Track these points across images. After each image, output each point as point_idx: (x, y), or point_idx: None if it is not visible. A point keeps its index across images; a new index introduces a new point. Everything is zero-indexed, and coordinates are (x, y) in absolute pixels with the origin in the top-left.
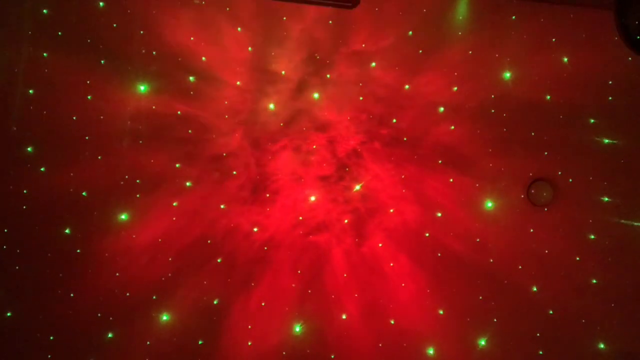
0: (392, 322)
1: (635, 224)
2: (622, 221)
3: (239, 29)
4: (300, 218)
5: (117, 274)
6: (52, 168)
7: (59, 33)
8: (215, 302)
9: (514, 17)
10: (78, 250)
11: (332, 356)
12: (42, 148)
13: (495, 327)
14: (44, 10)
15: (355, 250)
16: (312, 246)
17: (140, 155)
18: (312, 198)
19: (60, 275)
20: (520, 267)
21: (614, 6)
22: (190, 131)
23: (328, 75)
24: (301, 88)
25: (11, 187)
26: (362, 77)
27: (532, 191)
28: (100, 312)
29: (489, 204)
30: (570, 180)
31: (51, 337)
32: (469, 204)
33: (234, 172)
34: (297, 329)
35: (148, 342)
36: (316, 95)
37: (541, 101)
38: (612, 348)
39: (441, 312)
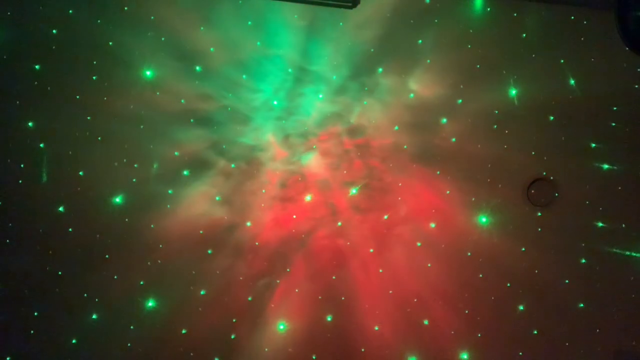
0: (377, 328)
1: (627, 253)
2: (615, 249)
3: (249, 22)
4: (294, 216)
5: (107, 256)
6: (51, 144)
7: (70, 11)
8: (202, 293)
9: (524, 34)
10: (70, 230)
11: (314, 357)
12: (43, 124)
13: (479, 342)
14: None
15: (346, 254)
16: (308, 247)
17: (141, 139)
18: (308, 198)
19: (50, 252)
20: (508, 284)
21: (614, 7)
22: (192, 120)
23: (334, 77)
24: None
25: (9, 160)
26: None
27: (532, 191)
28: (86, 292)
29: (483, 219)
30: (566, 203)
31: (35, 313)
32: (463, 218)
33: (232, 165)
34: (281, 326)
35: (132, 327)
36: (320, 94)
37: (544, 121)
38: None
39: (426, 322)
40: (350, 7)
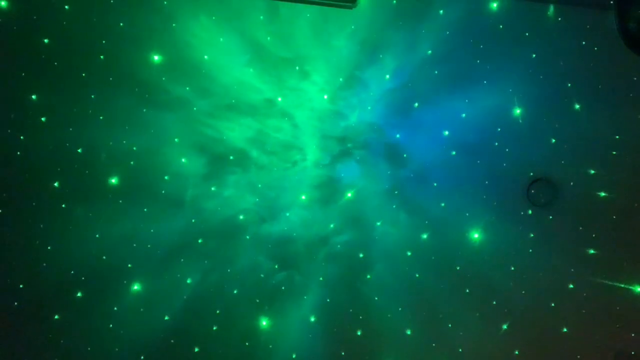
0: (359, 333)
1: (616, 283)
2: (604, 277)
3: (261, 17)
4: (287, 214)
5: (97, 236)
6: (52, 119)
7: None
8: (188, 281)
9: (534, 54)
10: (63, 205)
11: (294, 355)
12: (46, 98)
13: (459, 357)
14: None
15: (336, 257)
16: (299, 247)
17: (142, 123)
18: (303, 197)
19: (41, 226)
20: (494, 302)
21: (614, 7)
22: (195, 108)
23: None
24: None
25: (9, 131)
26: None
27: (532, 191)
28: (73, 270)
29: (475, 235)
30: (560, 226)
31: (20, 285)
32: (456, 231)
33: (231, 157)
34: (264, 322)
35: (115, 308)
36: (325, 95)
37: (546, 143)
38: None
39: (409, 332)
40: (350, 7)
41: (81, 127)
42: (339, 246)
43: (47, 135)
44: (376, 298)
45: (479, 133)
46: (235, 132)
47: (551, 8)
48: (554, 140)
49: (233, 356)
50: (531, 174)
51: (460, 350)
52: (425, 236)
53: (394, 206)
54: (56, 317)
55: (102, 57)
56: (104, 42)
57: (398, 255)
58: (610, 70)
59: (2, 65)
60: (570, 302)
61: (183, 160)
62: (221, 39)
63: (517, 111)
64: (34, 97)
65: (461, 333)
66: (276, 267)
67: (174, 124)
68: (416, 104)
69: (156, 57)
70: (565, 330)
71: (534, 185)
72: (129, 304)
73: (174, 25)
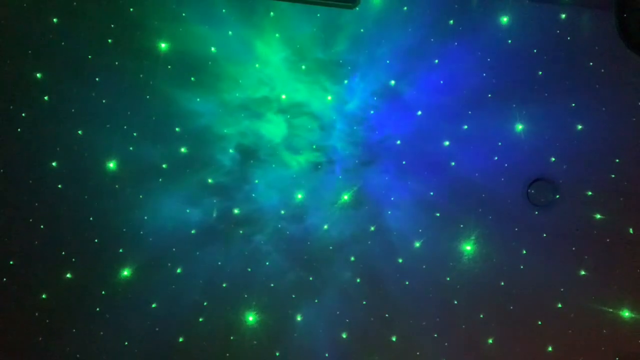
0: (344, 335)
1: (604, 307)
2: (593, 299)
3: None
4: (282, 212)
5: (91, 219)
6: (55, 100)
7: None
8: (178, 271)
9: (540, 72)
10: (59, 186)
11: (277, 353)
12: (51, 78)
13: None
14: None
15: (328, 258)
16: (292, 245)
17: (144, 109)
18: (299, 196)
19: (36, 204)
20: (482, 315)
21: (614, 7)
22: (198, 99)
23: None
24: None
25: (11, 107)
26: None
27: (532, 191)
28: (65, 250)
29: (468, 247)
30: (553, 246)
31: (11, 262)
32: (449, 242)
33: (231, 151)
34: (250, 318)
35: (103, 292)
36: (328, 95)
37: (545, 162)
38: None
39: (394, 339)
40: (351, 7)
41: (83, 109)
42: (330, 247)
43: (48, 114)
44: (364, 302)
45: (479, 146)
46: (233, 128)
47: (561, 23)
48: (553, 159)
49: (216, 349)
50: (528, 190)
51: None
52: (417, 244)
53: (389, 212)
54: (44, 296)
55: (109, 40)
56: (112, 26)
57: (389, 261)
58: (616, 96)
59: (10, 42)
60: (558, 322)
61: (182, 149)
62: (230, 33)
63: (520, 127)
64: (38, 75)
65: (446, 344)
66: (267, 264)
67: (175, 114)
68: (419, 112)
69: (163, 45)
70: (550, 349)
71: (535, 185)
72: (118, 288)
73: (183, 14)
